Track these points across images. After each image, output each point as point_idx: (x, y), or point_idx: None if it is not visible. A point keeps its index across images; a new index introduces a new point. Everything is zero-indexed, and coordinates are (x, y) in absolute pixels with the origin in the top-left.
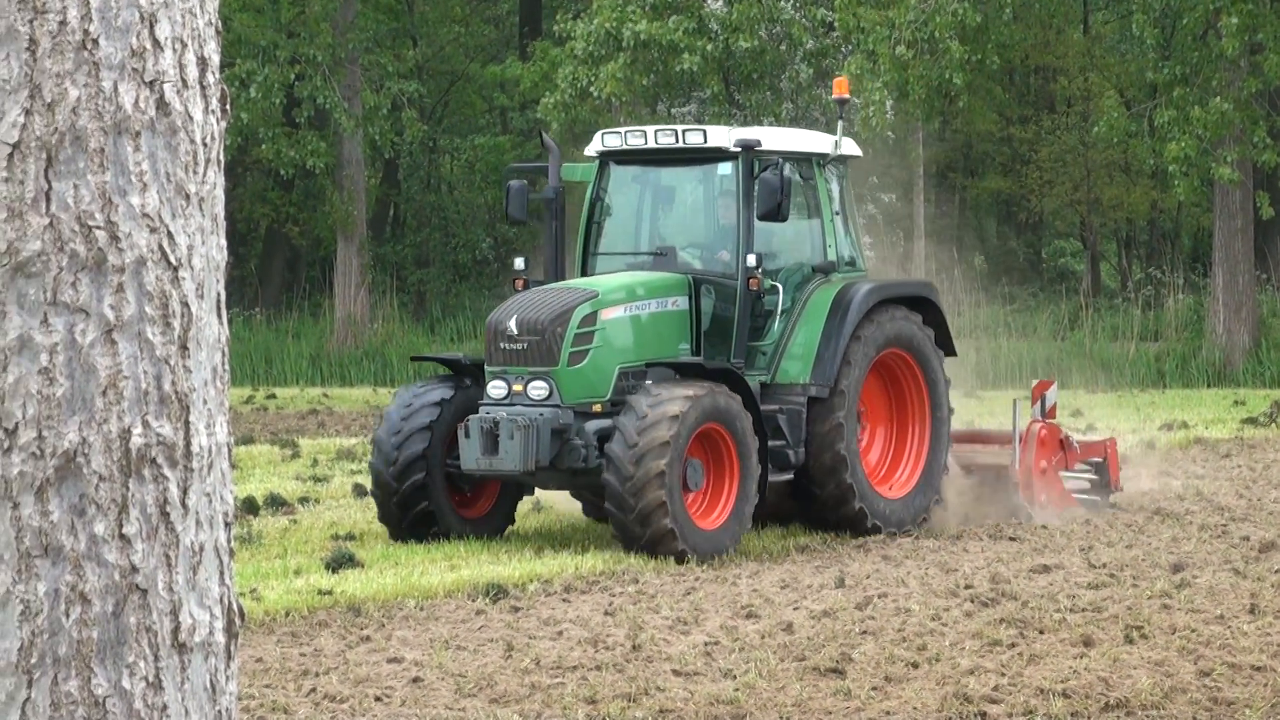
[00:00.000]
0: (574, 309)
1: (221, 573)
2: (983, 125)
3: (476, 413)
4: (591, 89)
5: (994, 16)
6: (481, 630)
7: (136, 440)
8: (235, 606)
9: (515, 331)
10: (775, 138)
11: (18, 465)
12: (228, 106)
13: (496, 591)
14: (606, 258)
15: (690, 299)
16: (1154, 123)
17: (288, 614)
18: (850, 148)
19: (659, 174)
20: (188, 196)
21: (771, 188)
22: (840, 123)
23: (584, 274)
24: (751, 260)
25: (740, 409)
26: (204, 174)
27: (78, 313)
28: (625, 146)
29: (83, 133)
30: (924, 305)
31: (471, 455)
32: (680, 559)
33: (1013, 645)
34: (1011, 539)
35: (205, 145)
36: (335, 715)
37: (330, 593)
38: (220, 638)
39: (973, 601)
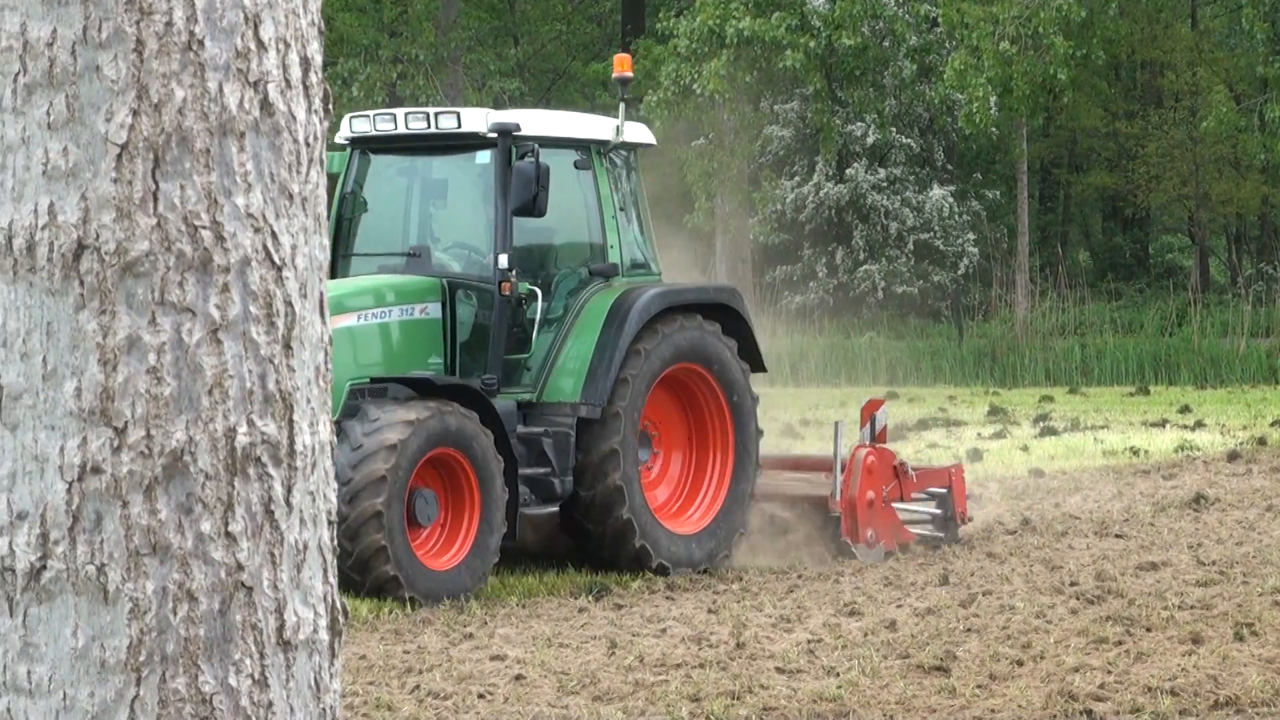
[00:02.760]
0: None
1: (325, 571)
2: (1088, 121)
3: None
4: (694, 86)
5: (1099, 11)
6: (584, 628)
7: (242, 439)
8: (339, 605)
9: None
10: (538, 121)
11: (126, 464)
12: (330, 106)
13: (599, 589)
14: (360, 259)
15: (445, 306)
16: (1264, 117)
17: (391, 611)
18: (639, 134)
19: (414, 163)
20: (291, 196)
21: (526, 178)
22: (621, 106)
23: (333, 277)
24: (504, 261)
25: (477, 429)
26: (307, 174)
27: (184, 312)
28: (375, 132)
29: (189, 133)
30: (724, 314)
31: None
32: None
33: (1119, 643)
34: (1118, 536)
35: (308, 145)
36: (439, 712)
37: None
38: (324, 635)
39: (1078, 599)
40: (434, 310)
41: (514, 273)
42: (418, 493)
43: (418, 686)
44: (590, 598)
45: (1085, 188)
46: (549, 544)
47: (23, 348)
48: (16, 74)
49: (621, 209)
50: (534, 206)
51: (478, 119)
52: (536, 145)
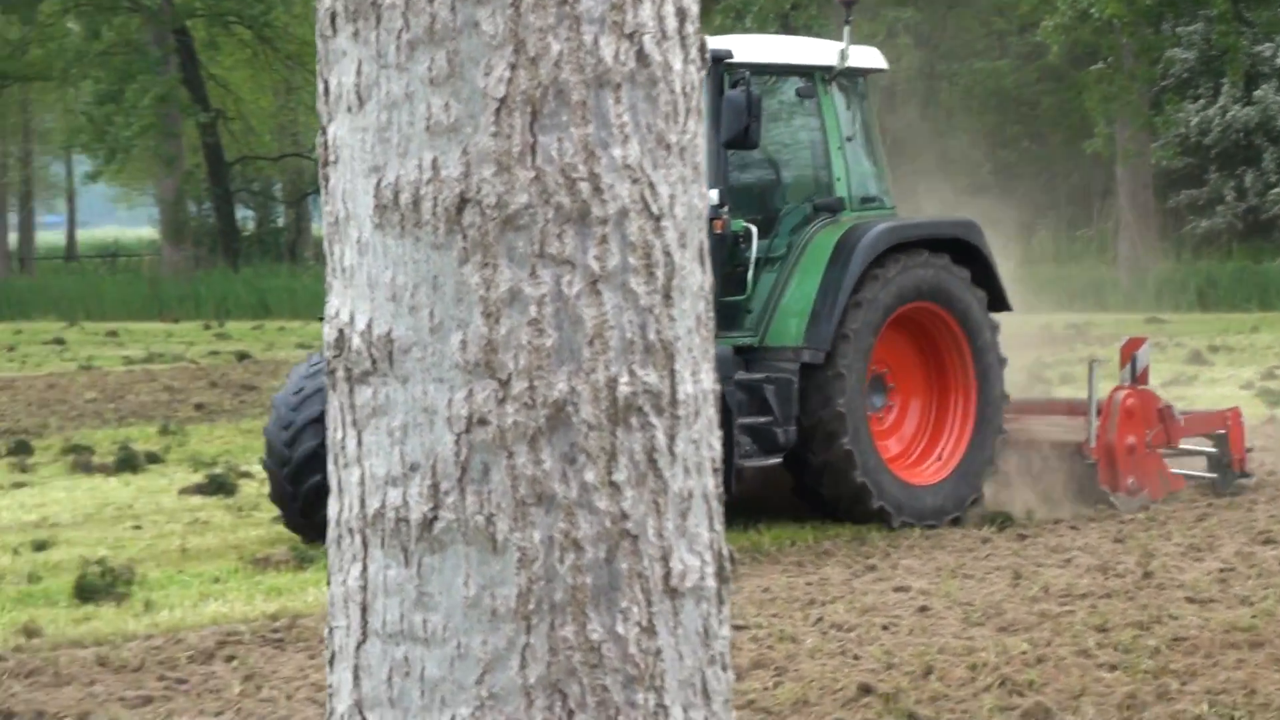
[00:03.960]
0: None
1: (710, 518)
2: None
3: None
4: (1092, 10)
5: None
6: (988, 559)
7: (623, 389)
8: (725, 552)
9: None
10: (752, 47)
11: (511, 415)
12: (706, 56)
13: (1003, 520)
14: None
15: None
16: None
17: (793, 543)
18: (867, 59)
19: None
20: (668, 147)
21: (737, 108)
22: (846, 28)
23: None
24: (715, 197)
25: None
26: (684, 123)
27: (564, 264)
28: None
29: (565, 86)
30: (962, 248)
31: None
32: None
33: None
34: None
35: (685, 95)
36: (842, 644)
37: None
38: (711, 583)
39: None
40: None
41: (726, 209)
42: None
43: (820, 618)
44: (994, 528)
45: None
46: (768, 495)
47: (411, 301)
48: (399, 30)
49: (849, 139)
50: (746, 138)
51: None
52: (748, 73)
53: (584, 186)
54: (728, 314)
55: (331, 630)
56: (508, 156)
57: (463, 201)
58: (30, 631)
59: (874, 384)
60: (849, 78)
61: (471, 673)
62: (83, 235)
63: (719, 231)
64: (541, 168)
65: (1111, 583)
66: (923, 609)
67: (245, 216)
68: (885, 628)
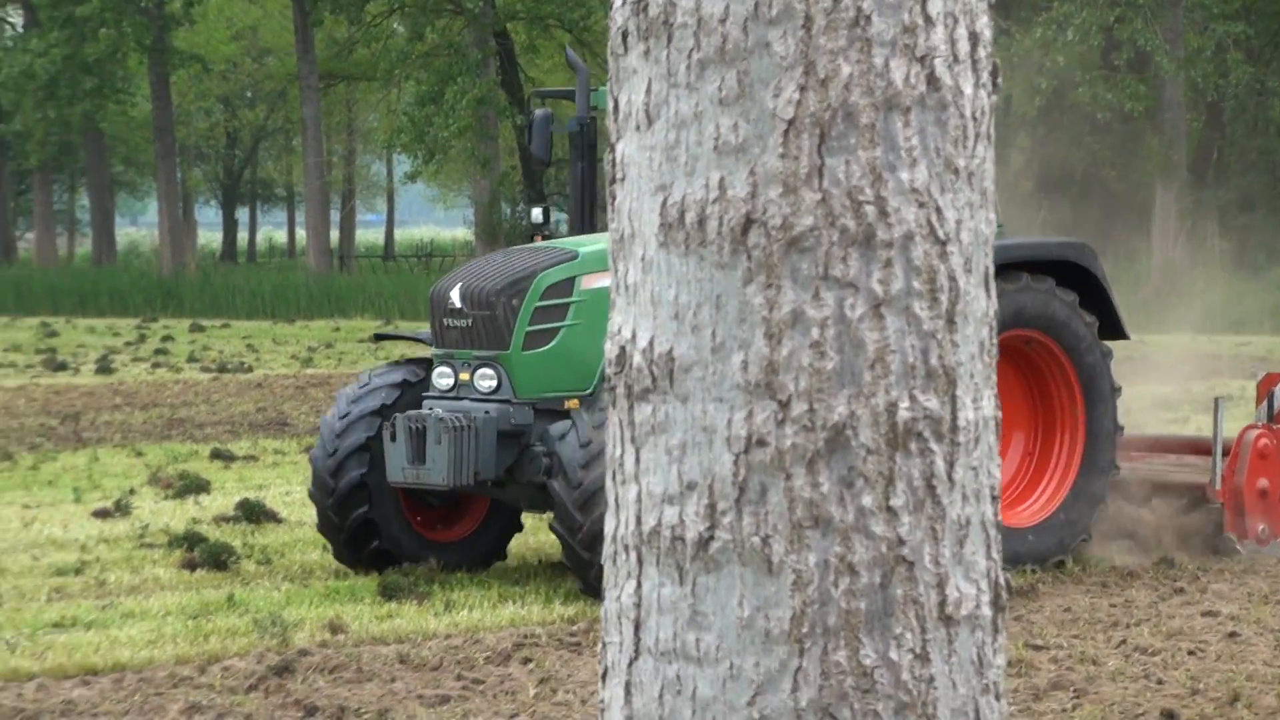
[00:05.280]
0: (535, 276)
1: (988, 546)
2: None
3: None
4: None
5: None
6: None
7: (903, 414)
8: (1002, 580)
9: (459, 304)
10: None
11: (790, 437)
12: (998, 81)
13: None
14: None
15: None
16: None
17: (1098, 564)
18: None
19: None
20: (956, 171)
21: None
22: None
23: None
24: None
25: None
26: (973, 148)
27: (847, 287)
28: None
29: (854, 109)
30: (1073, 272)
31: (397, 463)
32: None
33: None
34: None
35: (975, 120)
36: (1145, 667)
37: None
38: (987, 611)
39: None
40: None
41: None
42: None
43: (1124, 640)
44: None
45: None
46: None
47: (693, 320)
48: (690, 50)
49: None
50: None
51: None
52: None
53: (870, 210)
54: None
55: (605, 645)
56: (794, 178)
57: (748, 222)
58: (335, 627)
59: None
60: None
61: (743, 694)
62: (400, 234)
63: None
64: (828, 190)
65: None
66: (1232, 634)
67: (559, 220)
68: (1191, 653)
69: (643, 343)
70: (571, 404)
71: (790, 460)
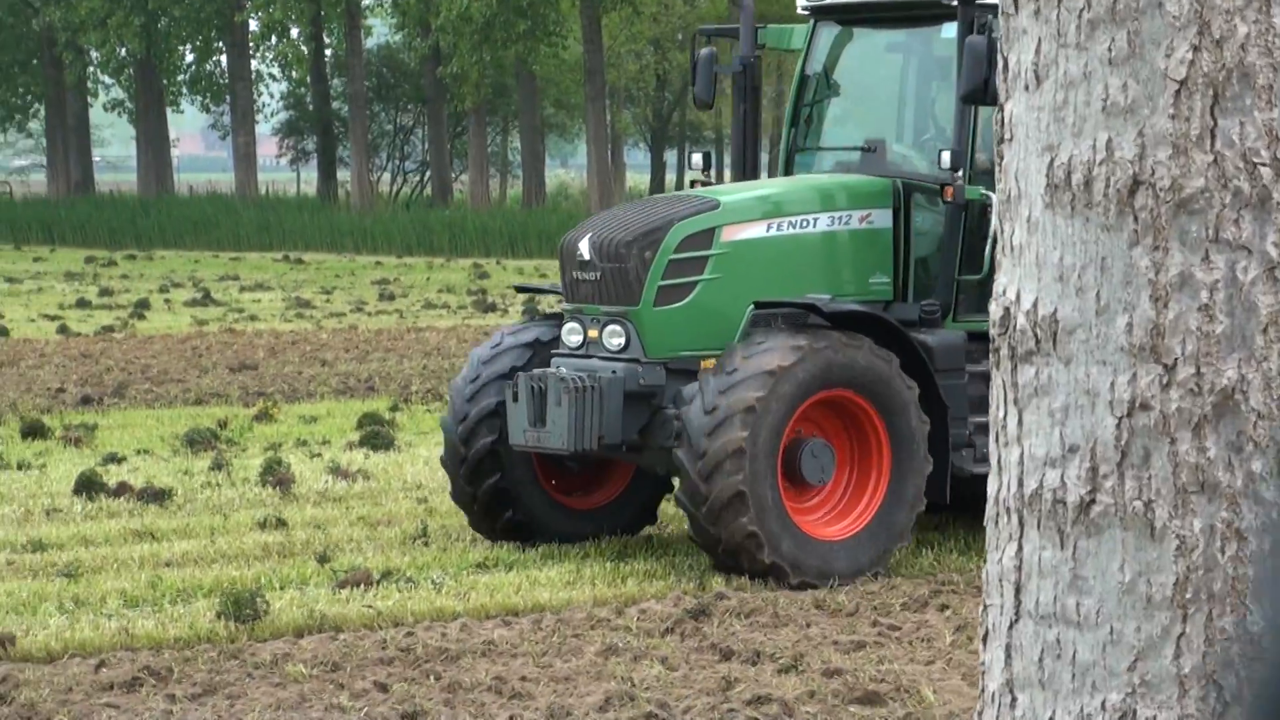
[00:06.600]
0: (671, 227)
1: None
2: None
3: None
4: None
5: None
6: None
7: None
8: None
9: (588, 256)
10: None
11: (1175, 401)
12: None
13: None
14: (811, 154)
15: (897, 212)
16: None
17: None
18: None
19: (880, 39)
20: None
21: (977, 57)
22: None
23: (788, 174)
24: (946, 160)
25: (888, 372)
26: None
27: (1239, 250)
28: None
29: (1250, 69)
30: None
31: (519, 425)
32: (773, 578)
33: None
34: None
35: None
36: None
37: None
38: None
39: None
40: (880, 218)
41: (960, 174)
42: (806, 442)
43: None
44: None
45: None
46: None
47: (1078, 282)
48: (1081, 9)
49: None
50: (985, 92)
51: None
52: (993, 16)
53: (1265, 172)
54: (964, 295)
55: (986, 608)
56: (1185, 139)
57: (1135, 183)
58: None
59: None
60: None
61: (1124, 659)
62: None
63: (948, 199)
64: (1221, 151)
65: None
66: None
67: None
68: None
69: (1027, 304)
70: (707, 364)
71: (1175, 424)
